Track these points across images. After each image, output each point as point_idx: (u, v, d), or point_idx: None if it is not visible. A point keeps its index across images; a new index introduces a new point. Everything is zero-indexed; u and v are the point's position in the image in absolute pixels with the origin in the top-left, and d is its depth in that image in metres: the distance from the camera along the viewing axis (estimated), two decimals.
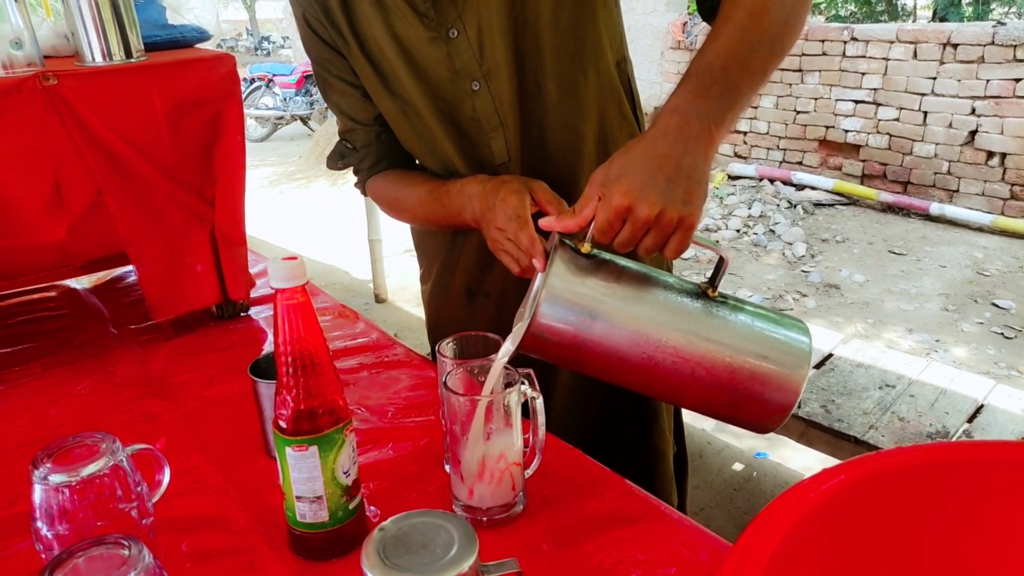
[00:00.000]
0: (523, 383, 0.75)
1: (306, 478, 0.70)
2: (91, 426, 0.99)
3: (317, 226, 5.06)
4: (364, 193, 1.12)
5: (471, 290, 1.07)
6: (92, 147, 1.11)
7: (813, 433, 1.67)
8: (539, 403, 0.76)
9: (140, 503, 0.71)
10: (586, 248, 0.73)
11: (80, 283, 1.52)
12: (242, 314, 1.32)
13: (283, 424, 0.69)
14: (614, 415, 1.10)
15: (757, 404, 0.72)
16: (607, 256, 0.75)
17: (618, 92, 0.99)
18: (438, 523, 0.59)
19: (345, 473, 0.71)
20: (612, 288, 0.72)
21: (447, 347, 0.84)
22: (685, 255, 3.70)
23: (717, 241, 3.56)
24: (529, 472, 0.79)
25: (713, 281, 0.74)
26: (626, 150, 0.72)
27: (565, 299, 0.70)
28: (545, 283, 0.70)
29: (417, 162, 1.06)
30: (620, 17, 0.99)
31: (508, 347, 0.77)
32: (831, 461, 1.86)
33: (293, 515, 0.71)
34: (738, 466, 2.24)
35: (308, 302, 0.68)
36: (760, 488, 2.13)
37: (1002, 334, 2.97)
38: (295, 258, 0.67)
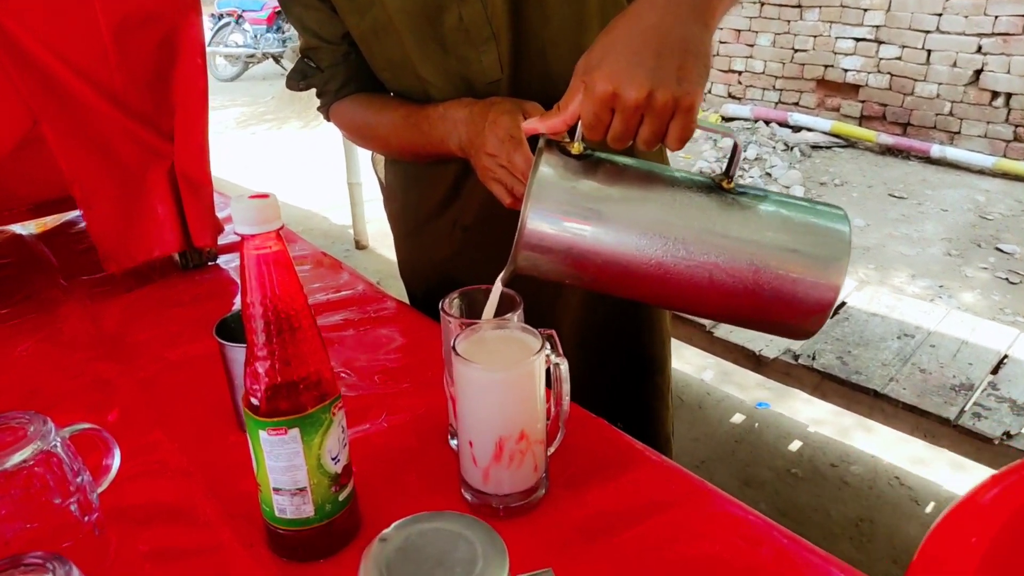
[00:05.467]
0: (546, 346, 0.62)
1: (285, 467, 0.57)
2: (31, 395, 0.85)
3: (292, 169, 4.84)
4: (327, 118, 0.99)
5: (464, 226, 0.96)
6: (24, 69, 0.95)
7: (828, 386, 1.57)
8: (564, 368, 0.64)
9: (81, 496, 0.59)
10: (576, 148, 0.64)
11: (26, 228, 1.36)
12: (209, 263, 1.17)
13: (255, 402, 0.56)
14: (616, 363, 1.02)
15: (789, 306, 0.62)
16: (603, 155, 0.65)
17: (621, 3, 0.87)
18: (455, 530, 0.47)
19: (334, 459, 0.59)
20: (609, 189, 0.63)
21: (452, 304, 0.71)
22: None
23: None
24: (551, 449, 0.67)
25: (728, 171, 0.64)
26: (608, 29, 0.63)
27: (555, 206, 0.62)
28: (531, 190, 0.62)
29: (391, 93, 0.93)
30: None
31: (504, 273, 0.68)
32: (844, 414, 1.78)
33: (271, 510, 0.59)
34: (739, 417, 2.16)
35: (284, 251, 0.54)
36: (762, 440, 2.05)
37: (1007, 279, 2.89)
38: (266, 196, 0.53)
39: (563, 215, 0.62)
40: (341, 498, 0.60)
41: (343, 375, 0.86)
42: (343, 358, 0.90)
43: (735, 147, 0.64)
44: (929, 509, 1.76)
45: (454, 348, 0.61)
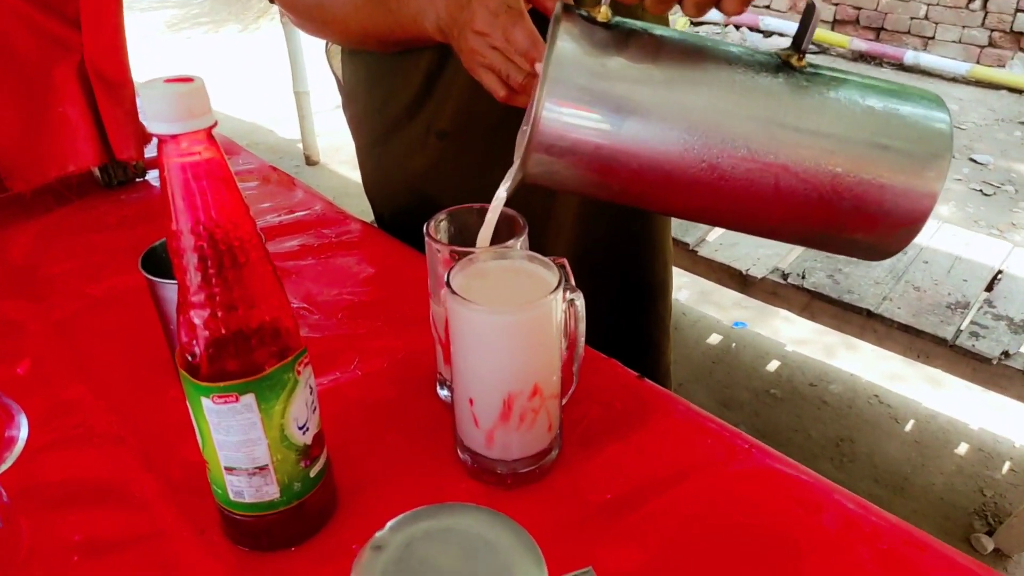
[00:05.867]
0: (563, 281, 0.50)
1: (240, 442, 0.44)
2: None
3: (232, 77, 4.49)
4: None
5: (440, 132, 0.82)
6: None
7: (818, 306, 1.49)
8: (580, 304, 0.53)
9: None
10: (604, 14, 0.49)
11: None
12: (137, 180, 1.00)
13: (193, 360, 0.42)
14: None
15: (873, 218, 0.50)
16: (637, 25, 0.50)
17: None
18: (471, 531, 0.36)
19: (301, 428, 0.46)
20: (648, 68, 0.48)
21: (439, 227, 0.58)
22: None
23: None
24: (564, 400, 0.56)
25: (799, 44, 0.49)
26: None
27: (580, 92, 0.48)
28: (547, 72, 0.47)
29: None
30: None
31: (508, 181, 0.54)
32: (829, 333, 1.72)
33: (224, 493, 0.47)
34: (715, 338, 2.09)
35: (220, 157, 0.40)
36: (740, 360, 2.00)
37: (981, 191, 2.85)
38: (189, 79, 0.38)
39: (589, 104, 0.47)
40: (312, 474, 0.48)
41: (303, 312, 0.73)
42: (302, 292, 0.76)
43: (810, 9, 0.48)
44: (908, 427, 1.74)
45: (449, 284, 0.48)
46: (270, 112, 3.80)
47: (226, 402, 0.43)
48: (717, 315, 2.18)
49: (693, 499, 0.52)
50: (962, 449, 1.66)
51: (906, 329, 1.37)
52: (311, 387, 0.47)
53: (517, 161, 0.57)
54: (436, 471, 0.55)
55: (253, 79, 4.38)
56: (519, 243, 0.55)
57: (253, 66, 4.62)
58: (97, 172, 0.97)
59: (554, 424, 0.53)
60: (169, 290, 0.57)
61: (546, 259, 0.52)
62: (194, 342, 0.42)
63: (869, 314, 1.42)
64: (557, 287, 0.48)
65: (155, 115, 0.37)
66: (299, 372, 0.45)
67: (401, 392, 0.63)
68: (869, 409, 1.79)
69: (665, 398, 0.61)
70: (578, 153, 0.49)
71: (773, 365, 1.96)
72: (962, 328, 1.36)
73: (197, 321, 0.41)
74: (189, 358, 0.43)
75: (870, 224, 0.50)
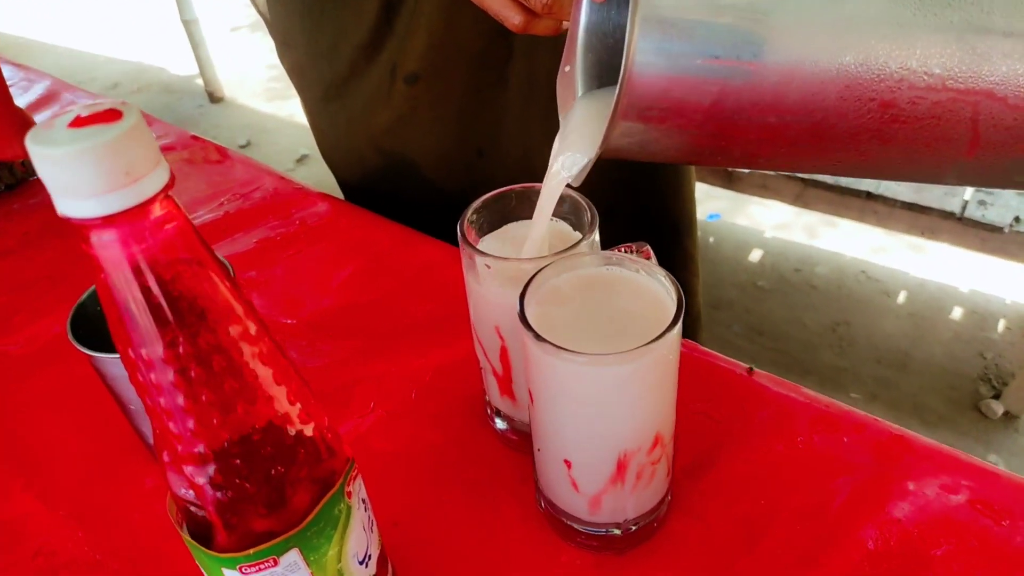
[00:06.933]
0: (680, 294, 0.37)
1: None
2: None
3: (106, 11, 3.99)
4: None
5: (409, 76, 0.66)
6: None
7: (812, 194, 1.40)
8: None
9: None
10: None
11: None
12: (30, 178, 0.80)
13: (201, 516, 0.29)
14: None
15: None
16: None
17: None
18: None
19: (363, 562, 0.33)
20: None
21: (474, 221, 0.44)
22: None
23: None
24: None
25: None
26: None
27: (689, 18, 0.32)
28: None
29: None
30: None
31: (574, 156, 0.41)
32: (807, 213, 1.64)
33: None
34: None
35: (184, 224, 0.24)
36: (720, 255, 1.92)
37: None
38: (114, 114, 0.22)
39: (707, 37, 0.32)
40: None
41: (284, 337, 0.58)
42: (276, 307, 0.61)
43: None
44: (901, 300, 1.71)
45: (527, 324, 0.34)
46: (157, 47, 3.39)
47: (260, 570, 0.29)
48: None
49: (861, 530, 0.42)
50: (956, 314, 1.65)
51: (910, 207, 1.29)
52: (364, 501, 0.34)
53: (569, 123, 0.43)
54: (521, 538, 0.43)
55: (130, 10, 3.90)
56: (588, 242, 0.41)
57: None
58: None
59: (671, 467, 0.42)
60: (116, 366, 0.42)
61: (629, 256, 0.39)
62: (194, 499, 0.28)
63: (869, 195, 1.34)
64: (677, 310, 0.35)
65: (69, 189, 0.21)
66: (350, 494, 0.32)
67: (445, 432, 0.50)
68: (859, 287, 1.75)
69: (768, 385, 0.50)
70: (688, 113, 0.34)
71: (755, 255, 1.89)
72: (967, 198, 1.29)
73: (199, 479, 0.27)
74: (193, 514, 0.29)
75: None
